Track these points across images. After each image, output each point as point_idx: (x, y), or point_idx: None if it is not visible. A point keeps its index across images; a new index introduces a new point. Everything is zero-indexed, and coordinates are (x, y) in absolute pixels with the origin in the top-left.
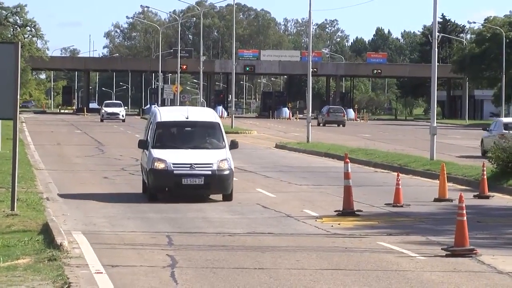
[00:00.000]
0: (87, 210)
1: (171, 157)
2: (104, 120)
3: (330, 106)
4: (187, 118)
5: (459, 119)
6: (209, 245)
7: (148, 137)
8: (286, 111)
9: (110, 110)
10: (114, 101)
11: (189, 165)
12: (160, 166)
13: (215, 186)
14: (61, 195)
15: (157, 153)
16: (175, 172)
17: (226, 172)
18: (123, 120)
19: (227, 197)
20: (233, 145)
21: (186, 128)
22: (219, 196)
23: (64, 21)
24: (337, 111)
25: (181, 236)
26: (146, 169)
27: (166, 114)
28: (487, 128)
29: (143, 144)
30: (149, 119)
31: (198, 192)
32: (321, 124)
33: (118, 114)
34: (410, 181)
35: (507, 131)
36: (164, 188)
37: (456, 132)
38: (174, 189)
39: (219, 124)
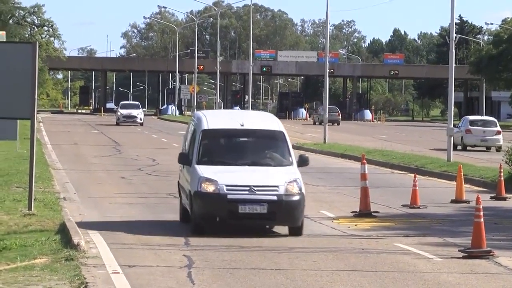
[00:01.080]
0: (104, 210)
1: (224, 177)
2: (120, 124)
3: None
4: (243, 126)
5: None
6: (225, 245)
7: (190, 149)
8: (302, 112)
9: (126, 112)
10: (131, 102)
11: (247, 188)
12: (210, 188)
13: (281, 215)
14: (78, 195)
15: (204, 171)
16: (229, 196)
17: (296, 198)
18: (141, 124)
19: (296, 231)
20: (303, 161)
21: (241, 139)
22: (284, 229)
23: (81, 21)
24: (332, 111)
25: (198, 236)
26: (189, 192)
27: (215, 119)
28: (457, 125)
29: (184, 159)
30: (189, 125)
31: (258, 223)
32: (317, 123)
33: (136, 117)
34: (427, 183)
35: (472, 127)
36: (214, 217)
37: None
38: (228, 219)
39: (283, 134)
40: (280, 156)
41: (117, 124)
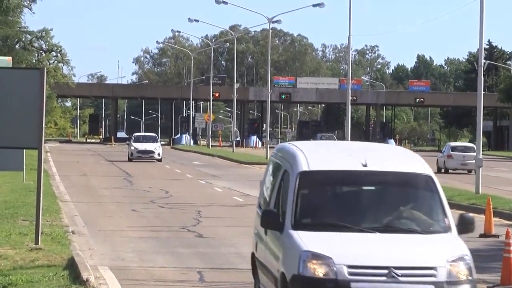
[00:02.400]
0: (114, 244)
1: (342, 251)
2: (133, 160)
3: (322, 134)
4: (366, 166)
5: (506, 150)
6: (242, 281)
7: (278, 204)
8: None
9: (141, 146)
10: (147, 134)
11: (384, 270)
12: (320, 271)
13: None
14: (88, 229)
15: (309, 241)
16: (354, 285)
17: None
18: (160, 160)
19: None
20: (466, 224)
21: (364, 187)
22: None
23: (91, 46)
24: (328, 139)
25: (213, 272)
26: (281, 275)
27: (318, 156)
28: (441, 150)
29: (271, 220)
30: (271, 164)
31: None
32: None
33: (153, 152)
34: (455, 216)
35: (453, 152)
36: None
37: (502, 164)
38: None
39: (432, 180)
40: (429, 216)
41: (130, 160)
